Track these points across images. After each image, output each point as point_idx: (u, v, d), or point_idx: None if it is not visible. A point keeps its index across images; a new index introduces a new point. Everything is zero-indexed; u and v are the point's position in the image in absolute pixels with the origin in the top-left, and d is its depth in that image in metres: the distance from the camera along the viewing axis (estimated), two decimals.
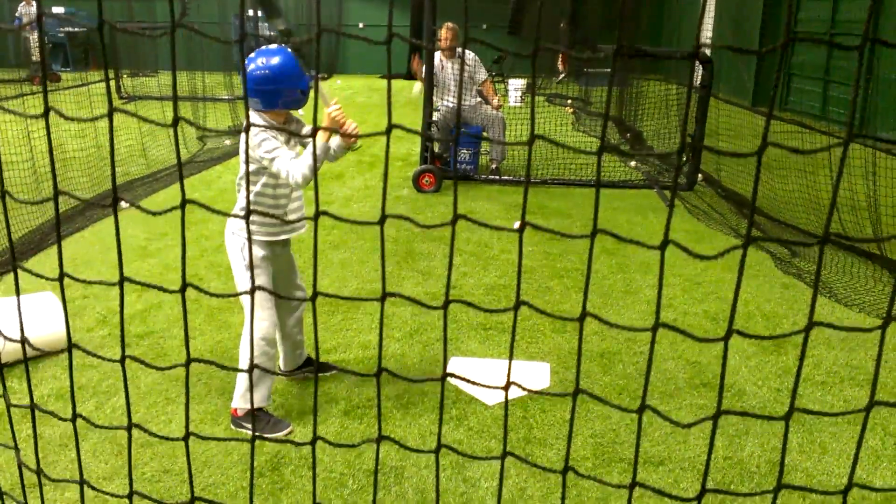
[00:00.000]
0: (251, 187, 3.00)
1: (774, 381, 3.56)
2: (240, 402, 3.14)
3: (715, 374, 3.59)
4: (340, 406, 3.29)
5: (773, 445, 3.04)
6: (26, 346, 1.40)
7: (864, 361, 3.74)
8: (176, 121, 1.04)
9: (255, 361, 3.03)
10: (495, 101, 7.65)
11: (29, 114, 1.30)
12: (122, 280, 1.21)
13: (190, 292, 4.87)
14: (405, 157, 8.43)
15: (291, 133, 2.59)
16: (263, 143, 2.90)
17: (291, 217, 3.15)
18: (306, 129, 3.13)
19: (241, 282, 3.08)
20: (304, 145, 3.13)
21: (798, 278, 4.84)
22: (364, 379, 3.59)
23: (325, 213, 1.08)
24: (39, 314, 3.66)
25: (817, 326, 1.03)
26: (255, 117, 3.02)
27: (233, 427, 3.15)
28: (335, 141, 2.96)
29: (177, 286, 4.75)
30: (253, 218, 3.01)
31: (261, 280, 3.07)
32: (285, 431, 3.10)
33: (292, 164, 2.87)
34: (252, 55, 2.99)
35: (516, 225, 5.97)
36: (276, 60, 2.93)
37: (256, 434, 2.94)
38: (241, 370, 1.53)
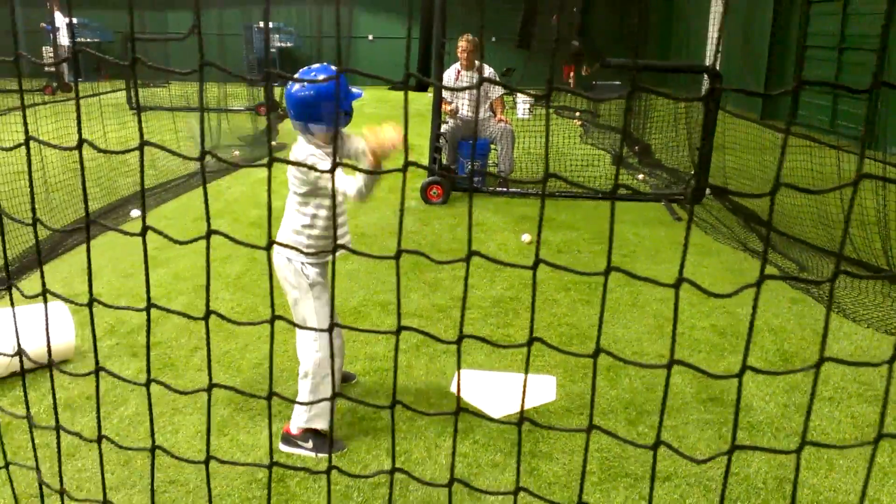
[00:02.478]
0: (304, 209, 2.97)
1: (782, 396, 3.54)
2: (301, 423, 3.06)
3: (722, 388, 3.58)
4: (346, 418, 3.30)
5: (779, 461, 3.02)
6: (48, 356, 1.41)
7: (872, 378, 3.72)
8: (203, 154, 1.06)
9: (325, 384, 3.00)
10: (499, 115, 7.68)
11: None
12: (150, 306, 1.22)
13: (202, 298, 4.84)
14: (413, 168, 8.46)
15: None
16: (316, 164, 2.86)
17: (341, 233, 3.13)
18: (355, 142, 3.06)
19: (305, 306, 3.01)
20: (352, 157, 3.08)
21: (806, 293, 4.82)
22: (370, 389, 3.59)
23: (342, 247, 1.09)
24: (50, 324, 3.67)
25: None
26: (302, 143, 2.97)
27: (283, 447, 3.09)
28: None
29: (186, 296, 4.80)
30: (308, 241, 2.98)
31: (325, 299, 3.02)
32: (342, 450, 3.09)
33: (347, 179, 2.87)
34: (299, 73, 2.96)
35: (524, 238, 5.90)
36: (320, 79, 2.89)
37: (309, 453, 2.93)
38: (257, 396, 1.53)
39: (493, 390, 3.59)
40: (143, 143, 1.06)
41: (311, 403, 1.67)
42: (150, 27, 14.94)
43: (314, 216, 3.00)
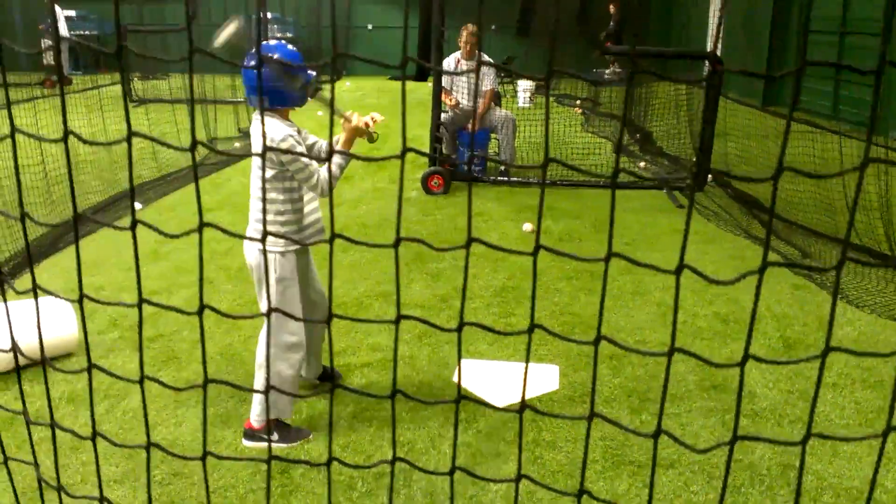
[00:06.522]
0: (268, 194, 2.90)
1: (786, 382, 3.54)
2: (259, 417, 3.05)
3: (725, 376, 3.58)
4: (350, 409, 3.30)
5: (783, 448, 3.02)
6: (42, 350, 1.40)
7: (876, 364, 3.71)
8: (194, 144, 1.05)
9: (286, 372, 3.00)
10: (482, 109, 7.49)
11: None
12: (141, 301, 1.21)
13: (204, 290, 4.82)
14: (414, 158, 8.43)
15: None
16: (288, 146, 2.84)
17: (310, 221, 3.07)
18: (312, 140, 3.09)
19: (272, 295, 2.97)
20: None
21: (809, 279, 4.81)
22: (373, 380, 3.59)
23: (339, 235, 1.08)
24: (52, 317, 3.68)
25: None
26: (269, 122, 2.90)
27: (246, 442, 3.06)
28: (337, 159, 2.92)
29: (188, 289, 4.79)
30: (282, 230, 2.91)
31: (292, 291, 2.98)
32: (307, 437, 3.09)
33: (322, 170, 2.84)
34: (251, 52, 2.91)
35: (526, 227, 5.88)
36: (275, 56, 2.86)
37: (277, 444, 2.97)
38: (257, 391, 1.52)
39: (496, 380, 3.59)
40: (132, 134, 1.06)
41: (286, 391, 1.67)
42: (148, 19, 14.89)
43: (277, 202, 2.93)
